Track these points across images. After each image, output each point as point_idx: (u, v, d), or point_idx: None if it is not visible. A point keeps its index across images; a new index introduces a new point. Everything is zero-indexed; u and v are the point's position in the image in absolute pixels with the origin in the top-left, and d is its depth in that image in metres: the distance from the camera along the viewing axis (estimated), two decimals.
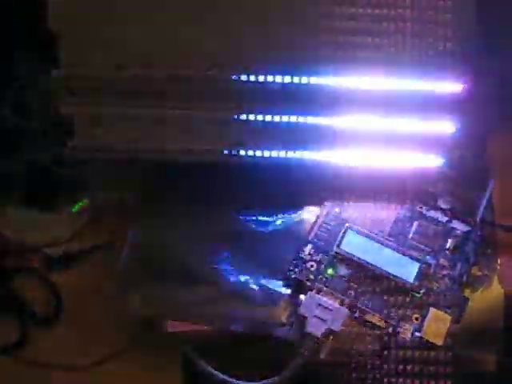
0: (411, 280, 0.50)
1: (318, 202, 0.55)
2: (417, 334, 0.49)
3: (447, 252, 0.53)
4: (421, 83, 0.50)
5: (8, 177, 0.59)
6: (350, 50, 0.50)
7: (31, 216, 0.58)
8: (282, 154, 0.54)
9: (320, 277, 0.51)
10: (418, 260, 0.51)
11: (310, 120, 0.52)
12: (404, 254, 0.52)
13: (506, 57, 0.57)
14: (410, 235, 0.53)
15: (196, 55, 0.49)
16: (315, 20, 0.49)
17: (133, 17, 0.48)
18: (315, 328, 0.48)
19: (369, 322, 0.49)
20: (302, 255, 0.52)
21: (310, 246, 0.52)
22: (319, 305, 0.49)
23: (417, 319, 0.49)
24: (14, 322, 0.53)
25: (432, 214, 0.54)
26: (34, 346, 0.52)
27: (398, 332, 0.49)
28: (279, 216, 0.55)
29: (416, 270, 0.51)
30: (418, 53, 0.50)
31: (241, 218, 0.55)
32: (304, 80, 0.50)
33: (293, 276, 0.51)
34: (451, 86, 0.50)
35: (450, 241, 0.53)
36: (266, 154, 0.54)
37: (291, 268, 0.51)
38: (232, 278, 0.51)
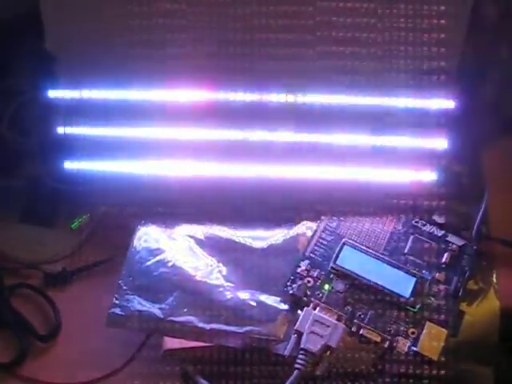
0: (407, 295, 0.50)
1: (315, 218, 0.55)
2: (413, 348, 0.49)
3: (443, 266, 0.53)
4: (415, 99, 0.51)
5: (7, 193, 0.59)
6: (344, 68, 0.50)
7: (30, 232, 0.58)
8: (279, 169, 0.54)
9: (317, 292, 0.51)
10: (413, 275, 0.51)
11: (307, 136, 0.53)
12: (400, 269, 0.52)
13: (500, 71, 0.58)
14: (406, 250, 0.53)
15: None
16: None
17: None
18: (312, 344, 0.48)
19: (365, 337, 0.49)
20: (299, 271, 0.52)
21: (306, 262, 0.52)
22: (316, 320, 0.49)
23: (413, 334, 0.49)
24: (12, 339, 0.53)
25: (427, 228, 0.55)
26: (33, 363, 0.52)
27: (395, 347, 0.49)
28: (276, 231, 0.55)
29: (412, 284, 0.51)
30: (411, 69, 0.50)
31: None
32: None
33: (290, 292, 0.51)
34: (445, 102, 0.51)
35: (445, 255, 0.53)
36: (263, 168, 0.54)
37: (288, 284, 0.51)
38: (229, 294, 0.51)
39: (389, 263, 0.52)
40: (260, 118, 0.51)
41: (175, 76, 0.49)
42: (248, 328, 0.49)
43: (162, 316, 0.50)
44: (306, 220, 0.55)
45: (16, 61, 0.58)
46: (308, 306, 0.50)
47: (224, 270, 0.53)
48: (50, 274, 0.56)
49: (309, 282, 0.51)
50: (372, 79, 0.50)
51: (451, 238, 0.54)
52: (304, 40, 0.50)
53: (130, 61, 0.49)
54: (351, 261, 0.52)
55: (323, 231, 0.54)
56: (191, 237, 0.55)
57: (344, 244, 0.53)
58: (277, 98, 0.50)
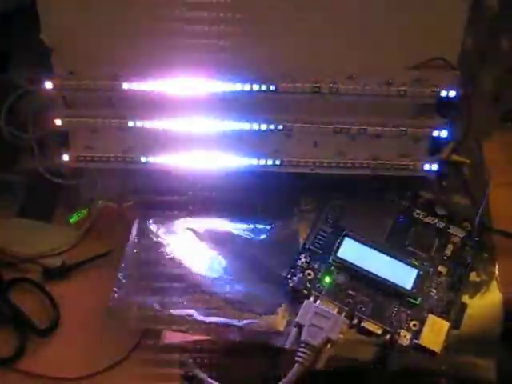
0: (409, 287, 0.50)
1: (315, 209, 0.55)
2: (415, 341, 0.48)
3: (445, 258, 0.52)
4: (417, 87, 0.50)
5: (5, 188, 0.59)
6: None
7: (29, 227, 0.58)
8: (278, 161, 0.54)
9: (317, 285, 0.51)
10: (415, 266, 0.51)
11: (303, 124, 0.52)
12: (401, 261, 0.51)
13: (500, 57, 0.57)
14: (408, 242, 0.53)
15: None
16: None
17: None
18: (313, 336, 0.47)
19: (366, 329, 0.49)
20: (299, 263, 0.52)
21: (306, 254, 0.52)
22: (316, 313, 0.49)
23: (415, 326, 0.49)
24: (12, 334, 0.53)
25: (429, 219, 0.54)
26: (32, 358, 0.52)
27: (396, 339, 0.49)
28: (276, 223, 0.55)
29: (414, 276, 0.51)
30: (412, 56, 0.49)
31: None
32: None
33: (290, 284, 0.51)
34: (446, 90, 0.50)
35: (447, 247, 0.53)
36: (262, 161, 0.54)
37: (288, 276, 0.51)
38: (229, 287, 0.51)
39: (390, 255, 0.52)
40: (257, 108, 0.51)
41: (174, 66, 0.49)
42: (248, 321, 0.49)
43: (161, 309, 0.50)
44: (306, 212, 0.55)
45: (15, 53, 0.58)
46: (308, 298, 0.50)
47: (223, 262, 0.53)
48: (48, 268, 0.55)
49: (309, 274, 0.51)
50: (370, 68, 0.49)
51: (453, 229, 0.54)
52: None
53: (128, 51, 0.48)
54: (352, 253, 0.51)
55: (324, 223, 0.54)
56: (190, 229, 0.54)
57: (345, 236, 0.52)
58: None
